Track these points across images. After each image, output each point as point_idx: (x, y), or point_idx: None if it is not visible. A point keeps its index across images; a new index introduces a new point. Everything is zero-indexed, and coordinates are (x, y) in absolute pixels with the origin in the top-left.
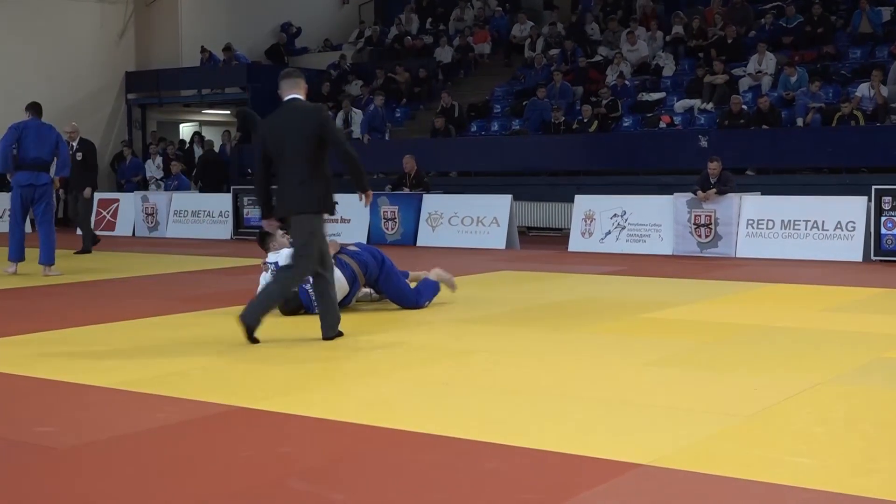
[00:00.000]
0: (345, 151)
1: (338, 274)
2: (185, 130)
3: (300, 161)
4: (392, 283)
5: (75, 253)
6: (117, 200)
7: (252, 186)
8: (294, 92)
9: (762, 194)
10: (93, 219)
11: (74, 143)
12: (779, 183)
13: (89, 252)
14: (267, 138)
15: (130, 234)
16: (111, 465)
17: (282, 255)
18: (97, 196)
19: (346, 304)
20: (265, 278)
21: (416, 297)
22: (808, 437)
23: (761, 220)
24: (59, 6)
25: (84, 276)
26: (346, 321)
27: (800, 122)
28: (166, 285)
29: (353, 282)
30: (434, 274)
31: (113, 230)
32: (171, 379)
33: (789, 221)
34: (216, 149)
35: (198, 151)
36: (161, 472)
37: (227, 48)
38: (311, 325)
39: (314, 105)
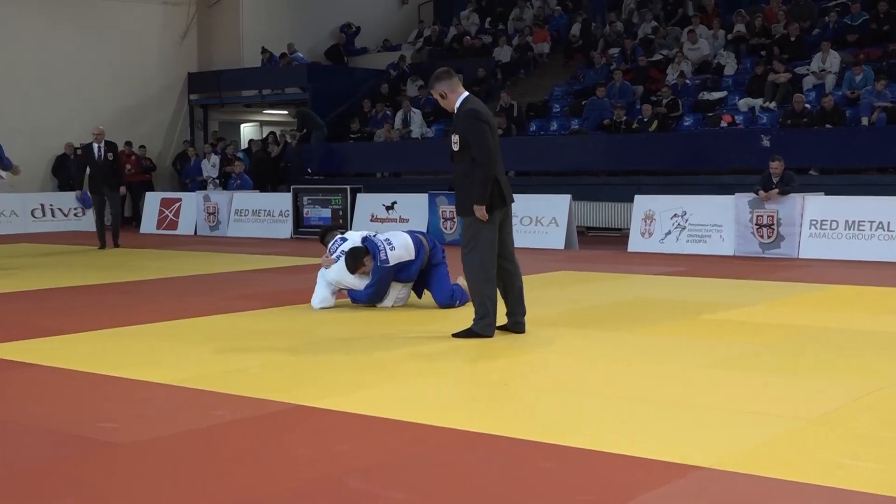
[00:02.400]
0: None
1: (404, 237)
2: (246, 131)
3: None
4: (442, 274)
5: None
6: (179, 200)
7: (312, 186)
8: (463, 89)
9: (826, 194)
10: (156, 218)
11: (102, 145)
12: (843, 183)
13: (118, 247)
14: (493, 130)
15: (192, 234)
16: (173, 461)
17: (348, 234)
18: (160, 195)
19: (409, 276)
20: (325, 273)
21: (453, 296)
22: (873, 441)
23: (825, 220)
24: (123, 8)
25: (145, 275)
26: (401, 319)
27: (865, 121)
28: (226, 283)
29: (419, 248)
30: (461, 281)
31: (175, 229)
32: (231, 376)
33: (853, 222)
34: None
35: (274, 151)
36: (221, 469)
37: (284, 54)
38: (370, 321)
39: None
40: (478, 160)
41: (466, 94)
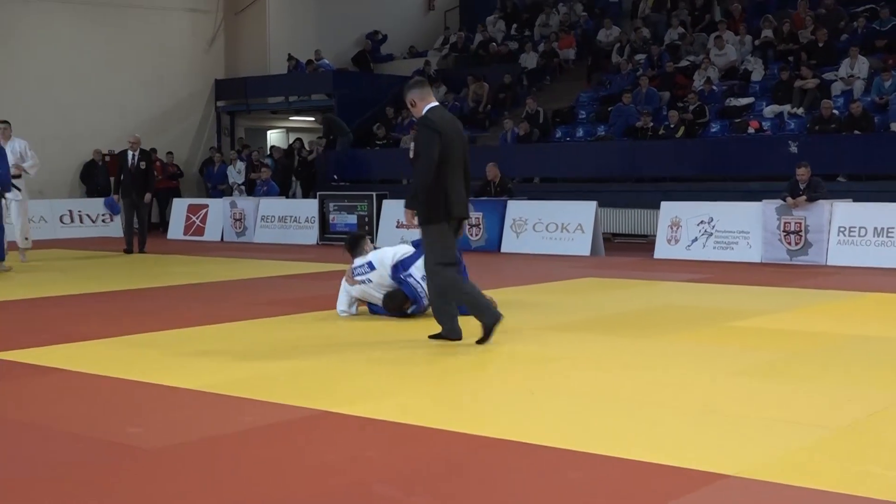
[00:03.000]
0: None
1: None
2: (273, 137)
3: (462, 167)
4: None
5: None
6: (206, 206)
7: (338, 192)
8: (434, 100)
9: (854, 201)
10: (183, 224)
11: (136, 153)
12: (871, 189)
13: (143, 252)
14: (444, 140)
15: (219, 240)
16: (200, 466)
17: (375, 256)
18: (187, 202)
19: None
20: (348, 287)
21: None
22: None
23: (853, 227)
24: (152, 15)
25: (172, 281)
26: (426, 326)
27: (893, 127)
28: (253, 290)
29: None
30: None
31: (202, 235)
32: (258, 382)
33: (882, 229)
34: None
35: (312, 155)
36: (247, 475)
37: (310, 61)
38: (395, 328)
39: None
40: (418, 166)
41: (434, 104)
